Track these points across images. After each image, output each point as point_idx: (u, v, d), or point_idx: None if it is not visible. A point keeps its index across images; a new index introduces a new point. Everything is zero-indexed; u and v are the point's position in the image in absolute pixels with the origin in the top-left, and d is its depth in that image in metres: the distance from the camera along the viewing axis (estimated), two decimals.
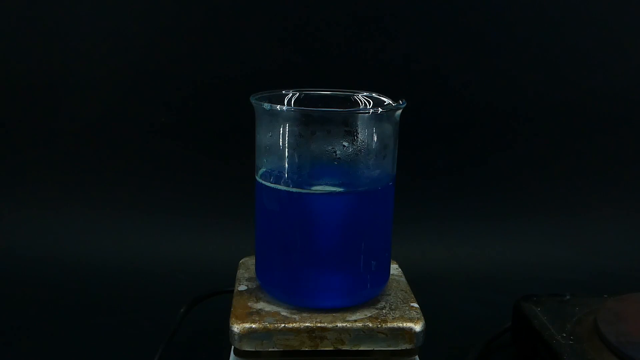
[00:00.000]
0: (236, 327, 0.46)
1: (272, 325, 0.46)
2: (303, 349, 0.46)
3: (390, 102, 0.50)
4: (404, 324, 0.47)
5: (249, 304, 0.49)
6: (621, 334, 0.50)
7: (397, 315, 0.48)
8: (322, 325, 0.46)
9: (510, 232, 0.86)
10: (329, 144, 0.46)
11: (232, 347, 0.48)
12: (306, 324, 0.46)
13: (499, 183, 0.87)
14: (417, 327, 0.47)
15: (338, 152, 0.46)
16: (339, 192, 0.47)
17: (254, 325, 0.46)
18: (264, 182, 0.48)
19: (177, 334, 0.59)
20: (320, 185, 0.46)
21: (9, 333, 0.64)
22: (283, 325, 0.46)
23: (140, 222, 0.85)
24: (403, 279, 0.55)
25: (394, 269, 0.56)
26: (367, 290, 0.49)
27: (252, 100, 0.48)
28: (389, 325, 0.47)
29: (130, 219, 0.85)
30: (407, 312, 0.49)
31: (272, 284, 0.50)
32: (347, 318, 0.47)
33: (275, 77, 0.82)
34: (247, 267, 0.57)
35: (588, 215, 0.88)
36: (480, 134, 0.86)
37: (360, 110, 0.50)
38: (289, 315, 0.47)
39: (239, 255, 0.59)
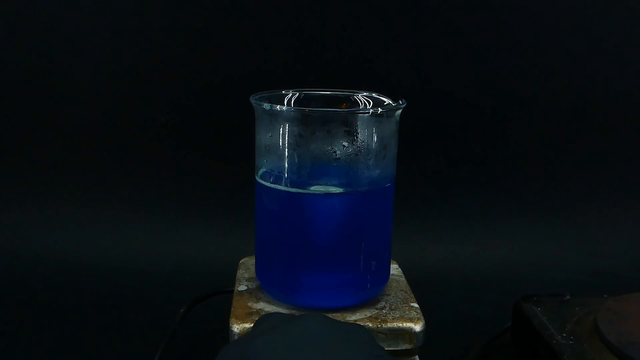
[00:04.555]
0: (236, 327, 0.46)
1: None
2: None
3: (390, 102, 0.50)
4: (404, 324, 0.47)
5: (249, 304, 0.49)
6: (621, 334, 0.50)
7: (397, 315, 0.48)
8: None
9: (510, 232, 0.86)
10: (329, 144, 0.46)
11: None
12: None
13: (498, 183, 0.87)
14: (417, 327, 0.47)
15: (338, 152, 0.46)
16: (339, 193, 0.47)
17: None
18: (264, 183, 0.48)
19: (177, 334, 0.59)
20: (320, 185, 0.46)
21: (9, 333, 0.64)
22: None
23: (140, 222, 0.85)
24: (403, 279, 0.55)
25: (394, 269, 0.56)
26: (367, 291, 0.49)
27: (252, 100, 0.48)
28: (389, 325, 0.47)
29: (130, 219, 0.85)
30: (407, 312, 0.49)
31: (272, 284, 0.50)
32: (347, 318, 0.47)
33: (275, 77, 0.82)
34: (247, 267, 0.57)
35: (588, 215, 0.88)
36: (480, 134, 0.86)
37: (360, 110, 0.50)
38: None
39: (239, 255, 0.59)
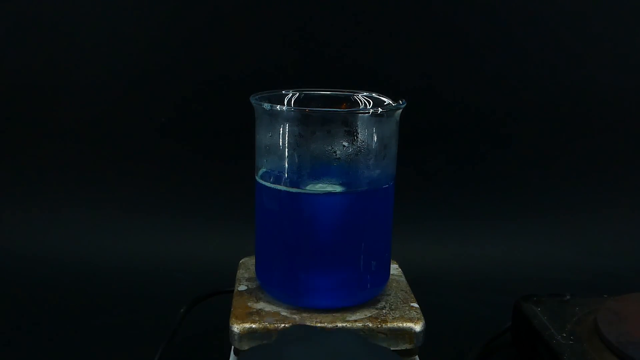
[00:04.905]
0: (236, 327, 0.46)
1: (272, 325, 0.46)
2: None
3: (390, 102, 0.50)
4: (404, 324, 0.47)
5: (249, 304, 0.49)
6: (621, 334, 0.50)
7: (397, 315, 0.48)
8: (322, 325, 0.46)
9: (510, 232, 0.86)
10: (329, 144, 0.46)
11: (232, 347, 0.48)
12: (306, 324, 0.46)
13: (498, 183, 0.87)
14: (417, 327, 0.47)
15: (338, 152, 0.46)
16: (339, 192, 0.47)
17: (254, 325, 0.46)
18: (264, 183, 0.48)
19: (177, 334, 0.59)
20: (320, 185, 0.46)
21: (9, 333, 0.64)
22: (283, 325, 0.46)
23: (140, 222, 0.85)
24: (403, 279, 0.55)
25: (394, 269, 0.56)
26: (367, 290, 0.49)
27: (252, 100, 0.48)
28: (389, 325, 0.47)
29: (130, 219, 0.85)
30: (407, 312, 0.49)
31: (272, 284, 0.50)
32: (347, 318, 0.47)
33: (275, 77, 0.82)
34: (247, 267, 0.57)
35: (588, 215, 0.88)
36: (480, 134, 0.86)
37: (360, 110, 0.50)
38: (289, 315, 0.47)
39: (239, 255, 0.59)
